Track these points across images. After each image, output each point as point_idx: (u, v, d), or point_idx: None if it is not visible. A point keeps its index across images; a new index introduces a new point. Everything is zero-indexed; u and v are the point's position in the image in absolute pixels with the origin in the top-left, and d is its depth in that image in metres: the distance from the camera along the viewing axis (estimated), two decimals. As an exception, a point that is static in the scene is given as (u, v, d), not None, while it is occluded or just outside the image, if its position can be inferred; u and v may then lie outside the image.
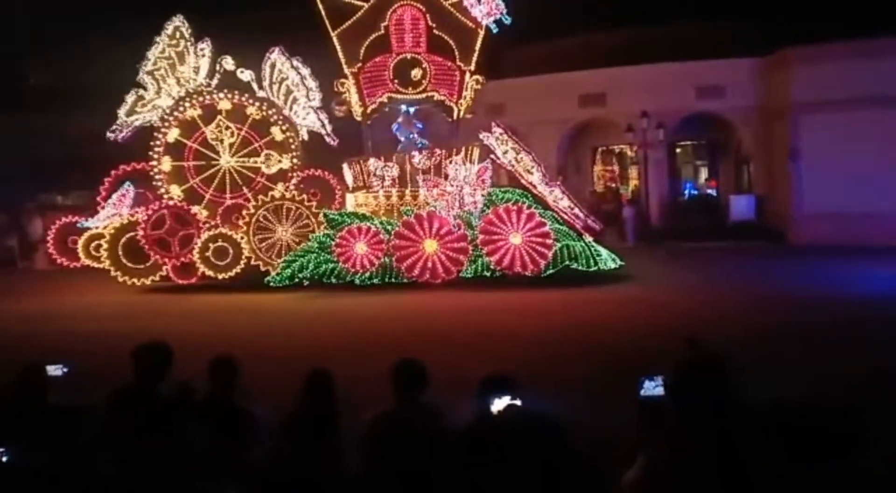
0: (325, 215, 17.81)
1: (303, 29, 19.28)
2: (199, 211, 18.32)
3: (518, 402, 4.08)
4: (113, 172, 19.09)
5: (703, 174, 32.83)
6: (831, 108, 25.13)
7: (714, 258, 22.31)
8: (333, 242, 17.39)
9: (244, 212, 17.97)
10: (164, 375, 4.83)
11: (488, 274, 17.26)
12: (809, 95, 25.67)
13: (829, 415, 2.86)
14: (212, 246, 17.85)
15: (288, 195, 17.96)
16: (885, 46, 24.57)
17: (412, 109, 19.35)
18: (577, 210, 17.80)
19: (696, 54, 27.68)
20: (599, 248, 17.62)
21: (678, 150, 32.43)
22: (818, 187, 25.78)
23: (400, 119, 19.28)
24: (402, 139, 19.23)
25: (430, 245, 17.20)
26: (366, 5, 18.20)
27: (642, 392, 3.21)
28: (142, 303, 16.74)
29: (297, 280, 17.54)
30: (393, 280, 17.36)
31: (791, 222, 26.68)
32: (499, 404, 4.10)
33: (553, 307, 14.62)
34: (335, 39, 18.05)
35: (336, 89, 19.22)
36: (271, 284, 17.55)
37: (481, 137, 18.19)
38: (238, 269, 17.89)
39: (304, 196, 17.91)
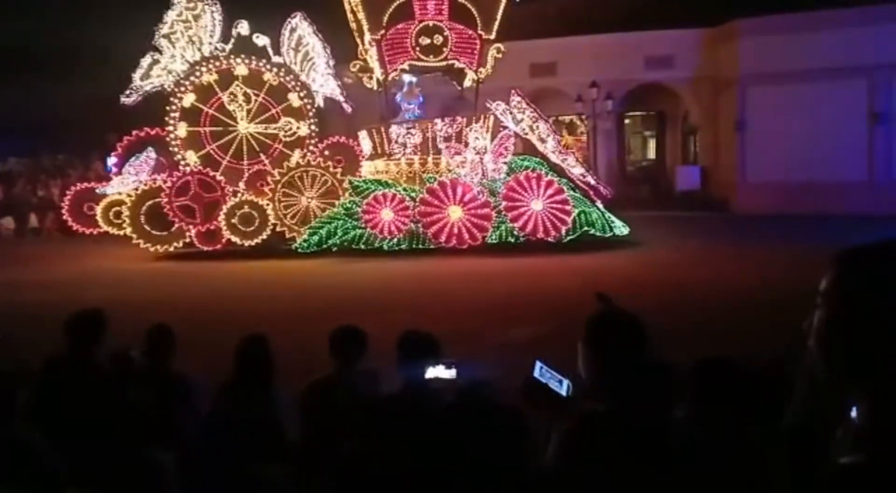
0: (351, 182, 18.08)
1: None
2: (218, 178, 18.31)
3: (453, 371, 4.02)
4: (126, 138, 18.91)
5: (652, 145, 34.04)
6: (777, 79, 26.08)
7: (670, 226, 22.74)
8: (360, 209, 17.72)
9: (270, 179, 18.06)
10: (98, 343, 4.78)
11: (512, 240, 17.88)
12: (756, 66, 26.51)
13: (743, 370, 3.06)
14: (238, 213, 17.91)
15: (313, 162, 18.12)
16: (827, 18, 25.42)
17: (415, 80, 19.70)
18: (589, 177, 18.61)
19: (646, 25, 28.13)
20: (610, 215, 18.52)
21: (627, 120, 33.35)
22: (762, 158, 26.90)
23: (404, 89, 19.62)
24: (403, 108, 19.57)
25: (455, 212, 17.71)
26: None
27: (535, 374, 3.07)
28: (173, 270, 16.75)
29: (324, 246, 17.81)
30: (420, 246, 17.81)
31: (735, 192, 27.84)
32: (435, 372, 4.03)
33: (573, 271, 14.95)
34: (360, 6, 18.20)
35: (360, 55, 19.45)
36: (298, 250, 17.77)
37: (489, 106, 18.78)
38: (264, 235, 18.01)
39: (329, 163, 18.12)
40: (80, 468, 3.46)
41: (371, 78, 19.67)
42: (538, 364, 3.12)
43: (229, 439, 4.06)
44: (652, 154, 33.88)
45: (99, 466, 3.54)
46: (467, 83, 19.81)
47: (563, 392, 3.09)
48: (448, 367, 4.01)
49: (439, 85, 20.43)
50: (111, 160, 39.41)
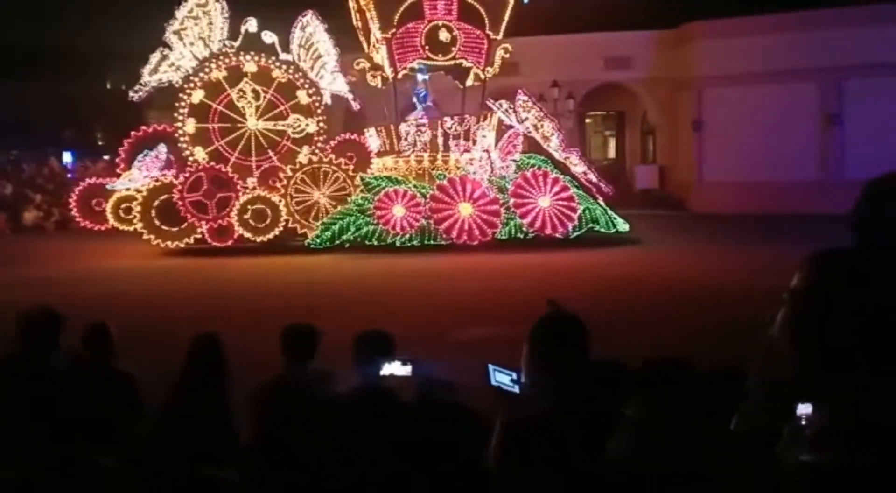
0: (362, 179, 18.32)
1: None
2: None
3: (408, 368, 4.02)
4: (133, 134, 18.78)
5: (612, 144, 34.93)
6: (732, 81, 26.77)
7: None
8: (372, 206, 17.99)
9: (282, 175, 18.17)
10: (53, 343, 4.43)
11: (521, 236, 18.33)
12: (712, 68, 27.21)
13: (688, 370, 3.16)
14: (250, 209, 17.98)
15: (325, 159, 18.30)
16: (781, 22, 26.23)
17: (427, 77, 20.08)
18: (591, 175, 19.25)
19: (606, 26, 28.76)
20: (612, 212, 19.20)
21: (588, 120, 34.10)
22: (718, 158, 27.66)
23: (420, 85, 19.96)
24: (420, 105, 19.91)
25: (466, 208, 18.10)
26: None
27: (493, 382, 3.10)
28: (181, 267, 16.68)
29: (337, 242, 18.02)
30: (432, 242, 18.14)
31: (692, 191, 28.71)
32: (390, 369, 4.03)
33: (580, 267, 15.44)
34: (371, 5, 18.45)
35: (370, 54, 19.70)
36: (311, 246, 17.95)
37: (491, 105, 19.27)
38: (276, 231, 18.12)
39: (342, 160, 18.33)
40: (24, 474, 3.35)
41: (375, 76, 19.92)
42: (491, 369, 3.15)
43: (178, 439, 4.03)
44: (612, 153, 34.70)
45: (40, 471, 3.42)
46: (469, 82, 20.25)
47: (517, 390, 3.12)
48: (403, 364, 4.03)
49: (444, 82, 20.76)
50: (67, 156, 38.76)
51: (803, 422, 2.76)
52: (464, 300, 12.17)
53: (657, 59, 29.67)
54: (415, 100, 19.91)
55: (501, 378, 3.13)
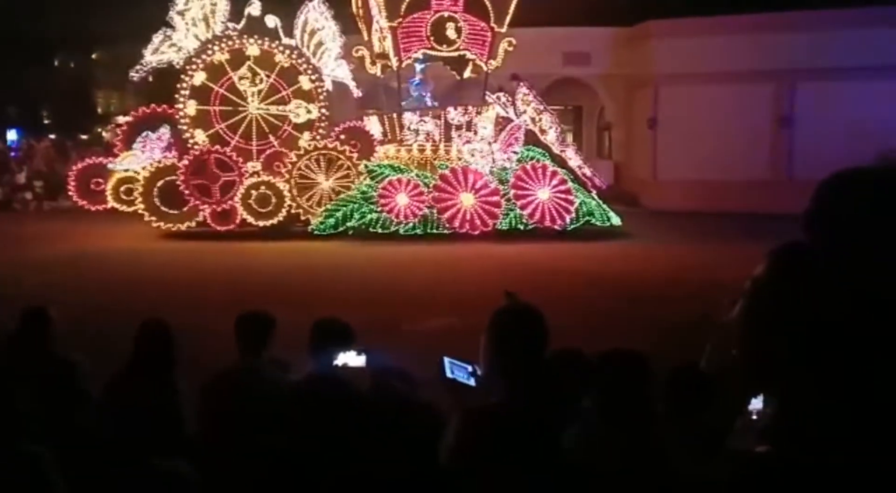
0: (366, 166, 18.37)
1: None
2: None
3: (363, 358, 4.05)
4: (132, 114, 18.43)
5: (569, 139, 35.35)
6: (688, 80, 27.05)
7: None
8: (376, 193, 18.08)
9: (286, 160, 18.08)
10: None
11: (521, 227, 18.57)
12: (668, 66, 27.42)
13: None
14: (254, 193, 17.85)
15: (330, 145, 18.28)
16: (738, 23, 26.56)
17: (426, 67, 20.21)
18: (585, 169, 19.70)
19: (566, 21, 28.76)
20: (606, 206, 19.68)
21: (546, 114, 34.44)
22: (673, 156, 27.96)
23: (419, 76, 20.08)
24: (416, 95, 20.03)
25: (468, 198, 18.31)
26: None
27: (448, 375, 3.15)
28: (179, 249, 16.63)
29: (340, 229, 18.05)
30: (435, 231, 18.30)
31: (646, 188, 29.26)
32: (345, 358, 4.03)
33: (569, 260, 15.77)
34: (380, -7, 18.48)
35: (369, 42, 19.70)
36: (314, 232, 17.94)
37: (487, 98, 19.55)
38: (280, 217, 18.04)
39: (346, 147, 18.33)
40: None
41: (375, 64, 19.95)
42: (446, 362, 3.19)
43: (123, 429, 3.84)
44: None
45: None
46: (467, 74, 20.46)
47: (473, 383, 3.19)
48: (358, 354, 4.03)
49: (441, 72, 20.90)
50: (12, 134, 37.39)
51: (754, 417, 2.96)
52: (445, 290, 12.46)
53: (615, 55, 29.88)
54: (410, 90, 19.99)
55: (458, 372, 3.18)
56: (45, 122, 40.34)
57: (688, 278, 13.05)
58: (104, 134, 40.98)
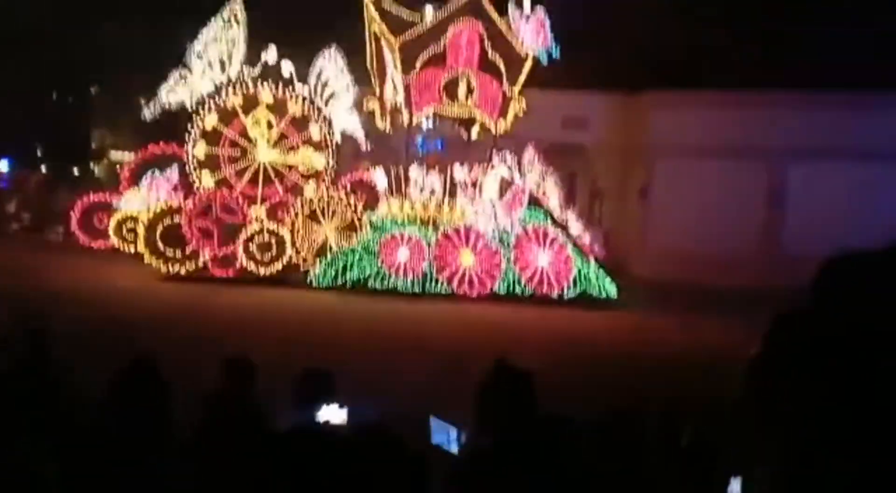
0: (370, 219, 18.36)
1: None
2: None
3: (344, 412, 4.06)
4: (141, 153, 18.34)
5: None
6: (684, 152, 27.26)
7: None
8: (377, 247, 18.04)
9: (291, 208, 18.04)
10: None
11: (520, 291, 18.55)
12: (665, 137, 27.67)
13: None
14: (257, 240, 17.75)
15: (336, 195, 18.27)
16: (736, 100, 26.82)
17: (432, 125, 20.37)
18: (585, 236, 19.77)
19: (566, 85, 28.41)
20: (604, 275, 19.64)
21: (538, 176, 34.62)
22: (664, 226, 27.94)
23: (426, 132, 20.23)
24: (421, 151, 20.18)
25: (468, 258, 18.34)
26: (429, 21, 19.03)
27: (434, 437, 3.21)
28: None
29: (340, 281, 17.96)
30: (433, 289, 18.24)
31: (635, 257, 29.61)
32: (328, 413, 4.04)
33: (558, 327, 15.93)
34: (396, 49, 18.65)
35: (380, 95, 19.86)
36: (314, 282, 17.83)
37: (496, 158, 19.68)
38: (280, 265, 17.93)
39: (351, 198, 18.34)
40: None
41: (384, 117, 20.11)
42: (433, 423, 3.25)
43: (121, 429, 3.96)
44: (559, 212, 35.29)
45: None
46: (475, 133, 20.64)
47: (456, 448, 3.22)
48: (340, 407, 4.03)
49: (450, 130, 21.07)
50: (3, 164, 37.12)
51: None
52: (438, 348, 12.47)
53: (613, 122, 30.03)
54: (417, 145, 20.13)
55: (443, 435, 3.21)
56: (38, 154, 40.18)
57: (677, 352, 13.07)
58: (96, 169, 40.98)
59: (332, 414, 3.96)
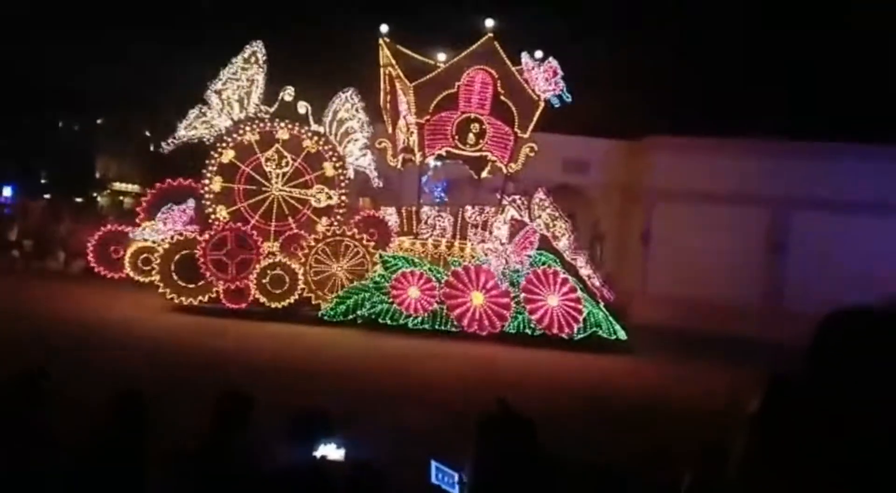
0: (381, 257, 18.59)
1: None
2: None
3: (342, 451, 4.08)
4: (158, 186, 18.58)
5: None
6: (685, 198, 27.43)
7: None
8: (389, 284, 18.25)
9: (304, 243, 18.27)
10: None
11: (529, 332, 18.71)
12: (666, 182, 27.80)
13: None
14: (269, 273, 17.95)
15: (349, 232, 18.51)
16: (738, 147, 27.17)
17: (439, 165, 20.70)
18: (595, 279, 19.97)
19: (568, 129, 28.67)
20: (613, 318, 19.81)
21: (540, 218, 34.89)
22: (664, 271, 28.02)
23: (430, 173, 20.54)
24: (427, 191, 20.47)
25: (478, 297, 18.53)
26: (443, 66, 19.45)
27: (434, 479, 3.21)
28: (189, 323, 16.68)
29: (350, 317, 18.14)
30: (443, 327, 18.42)
31: (635, 301, 29.70)
32: (325, 450, 4.05)
33: (568, 370, 16.16)
34: (411, 92, 19.01)
35: (393, 136, 20.23)
36: (324, 317, 18.01)
37: (504, 200, 19.96)
38: (292, 299, 18.11)
39: (364, 236, 18.57)
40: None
41: (395, 156, 20.42)
42: (433, 466, 3.26)
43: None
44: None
45: None
46: (485, 174, 20.95)
47: (457, 491, 3.20)
48: (338, 446, 4.05)
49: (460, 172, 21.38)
50: (7, 191, 37.26)
51: None
52: (445, 387, 12.66)
53: (614, 166, 30.20)
54: (424, 186, 20.42)
55: (444, 478, 3.19)
56: (42, 181, 40.37)
57: (679, 401, 13.20)
58: (99, 199, 41.14)
59: (331, 452, 4.00)
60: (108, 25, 32.50)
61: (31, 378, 4.67)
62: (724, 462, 2.23)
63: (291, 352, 14.82)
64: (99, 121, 40.42)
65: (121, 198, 40.85)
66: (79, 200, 39.49)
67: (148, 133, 36.93)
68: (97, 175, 41.66)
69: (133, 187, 38.92)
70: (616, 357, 18.21)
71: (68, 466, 4.24)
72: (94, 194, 41.69)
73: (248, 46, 18.48)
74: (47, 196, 36.49)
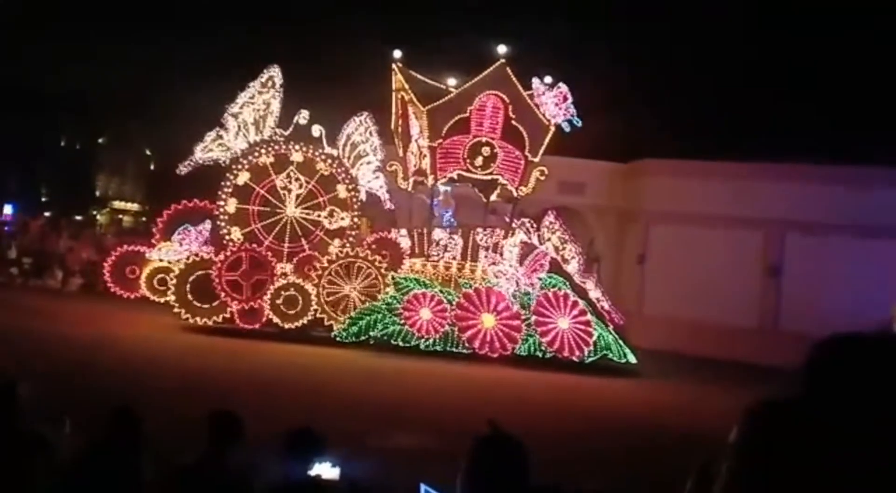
0: (393, 278, 18.77)
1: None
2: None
3: (336, 470, 4.08)
4: (174, 207, 18.75)
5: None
6: (680, 220, 27.50)
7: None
8: (401, 306, 18.42)
9: (317, 264, 18.44)
10: None
11: (540, 354, 18.86)
12: (661, 205, 27.87)
13: None
14: (283, 294, 18.11)
15: (361, 254, 18.70)
16: (732, 170, 27.18)
17: (449, 189, 20.94)
18: (604, 302, 20.16)
19: (563, 151, 30.15)
20: (623, 342, 19.98)
21: (537, 239, 35.09)
22: (660, 293, 27.97)
23: (440, 197, 20.78)
24: (437, 214, 20.69)
25: (489, 320, 18.70)
26: (453, 90, 19.74)
27: None
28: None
29: (362, 338, 18.30)
30: (454, 349, 18.57)
31: (631, 323, 29.72)
32: (320, 469, 4.04)
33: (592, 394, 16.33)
34: (425, 116, 19.28)
35: (404, 158, 20.50)
36: (337, 338, 18.17)
37: (515, 222, 20.19)
38: (305, 319, 18.26)
39: (377, 257, 18.76)
40: None
41: (406, 179, 20.68)
42: (422, 490, 3.24)
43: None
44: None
45: None
46: (493, 197, 21.21)
47: None
48: (333, 465, 4.07)
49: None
50: (8, 208, 37.28)
51: None
52: (456, 409, 12.57)
53: (609, 189, 30.16)
54: (434, 209, 20.64)
55: None
56: (43, 199, 40.40)
57: (689, 427, 13.05)
58: (99, 217, 41.16)
59: (325, 471, 4.03)
60: (111, 44, 32.74)
61: (8, 386, 4.69)
62: (711, 484, 2.24)
63: (301, 372, 14.94)
64: (100, 140, 40.71)
65: (120, 216, 41.12)
66: (78, 218, 39.60)
67: (148, 152, 37.34)
68: (97, 193, 41.87)
69: (132, 206, 39.29)
70: (623, 380, 18.36)
71: (64, 479, 4.29)
72: (94, 212, 41.77)
73: (265, 71, 18.72)
74: (47, 214, 36.53)
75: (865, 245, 25.71)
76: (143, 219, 36.92)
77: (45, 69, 32.78)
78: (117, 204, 42.90)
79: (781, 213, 26.44)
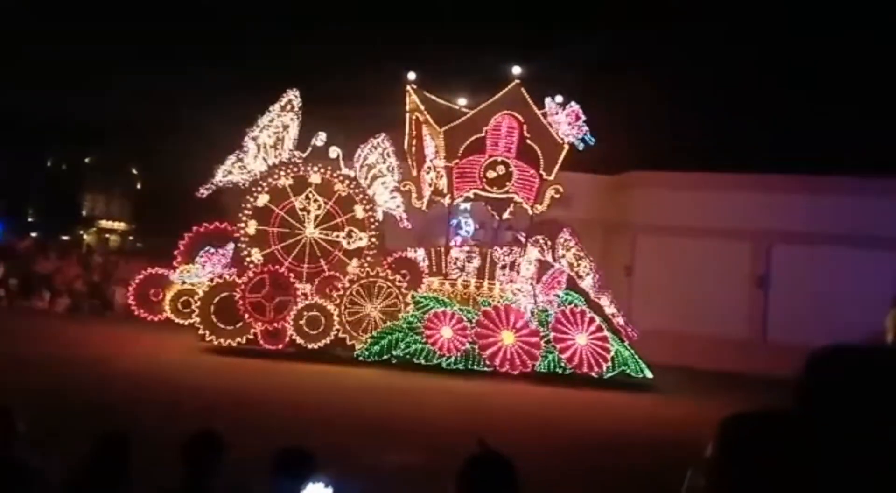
0: (413, 297, 18.90)
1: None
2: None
3: (330, 490, 4.04)
4: (195, 229, 18.72)
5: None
6: (667, 232, 27.49)
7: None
8: (422, 324, 18.55)
9: (338, 284, 18.52)
10: None
11: (560, 371, 18.98)
12: (648, 217, 28.00)
13: None
14: (306, 315, 18.16)
15: (381, 273, 18.80)
16: (718, 181, 27.51)
17: (469, 207, 21.14)
18: (619, 318, 20.41)
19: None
20: (639, 357, 20.20)
21: (524, 252, 35.27)
22: (648, 305, 27.44)
23: (460, 216, 20.97)
24: (463, 230, 20.88)
25: (508, 337, 18.87)
26: (466, 110, 19.96)
27: None
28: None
29: (385, 357, 18.40)
30: (475, 367, 18.71)
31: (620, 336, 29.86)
32: (314, 490, 4.02)
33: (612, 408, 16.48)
34: (442, 136, 19.47)
35: (418, 178, 20.67)
36: (359, 358, 18.25)
37: (529, 240, 20.41)
38: (328, 339, 18.32)
39: (397, 276, 18.88)
40: None
41: (420, 198, 20.83)
42: None
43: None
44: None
45: None
46: (506, 215, 21.42)
47: None
48: (326, 486, 4.03)
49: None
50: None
51: None
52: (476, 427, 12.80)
53: (596, 201, 29.88)
54: (453, 228, 20.82)
55: None
56: (29, 219, 39.94)
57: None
58: (86, 237, 40.82)
59: (317, 491, 4.00)
60: (98, 67, 32.63)
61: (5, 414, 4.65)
62: None
63: (325, 391, 15.05)
64: (87, 160, 40.35)
65: (107, 236, 40.79)
66: (65, 238, 39.23)
67: (134, 171, 37.10)
68: (84, 213, 41.51)
69: (119, 225, 38.96)
70: (639, 395, 18.44)
71: None
72: (81, 232, 41.40)
73: (284, 94, 18.83)
74: (34, 234, 36.16)
75: (853, 255, 25.99)
76: (131, 238, 36.89)
77: (30, 91, 32.56)
78: (104, 223, 42.56)
79: (768, 223, 26.73)
